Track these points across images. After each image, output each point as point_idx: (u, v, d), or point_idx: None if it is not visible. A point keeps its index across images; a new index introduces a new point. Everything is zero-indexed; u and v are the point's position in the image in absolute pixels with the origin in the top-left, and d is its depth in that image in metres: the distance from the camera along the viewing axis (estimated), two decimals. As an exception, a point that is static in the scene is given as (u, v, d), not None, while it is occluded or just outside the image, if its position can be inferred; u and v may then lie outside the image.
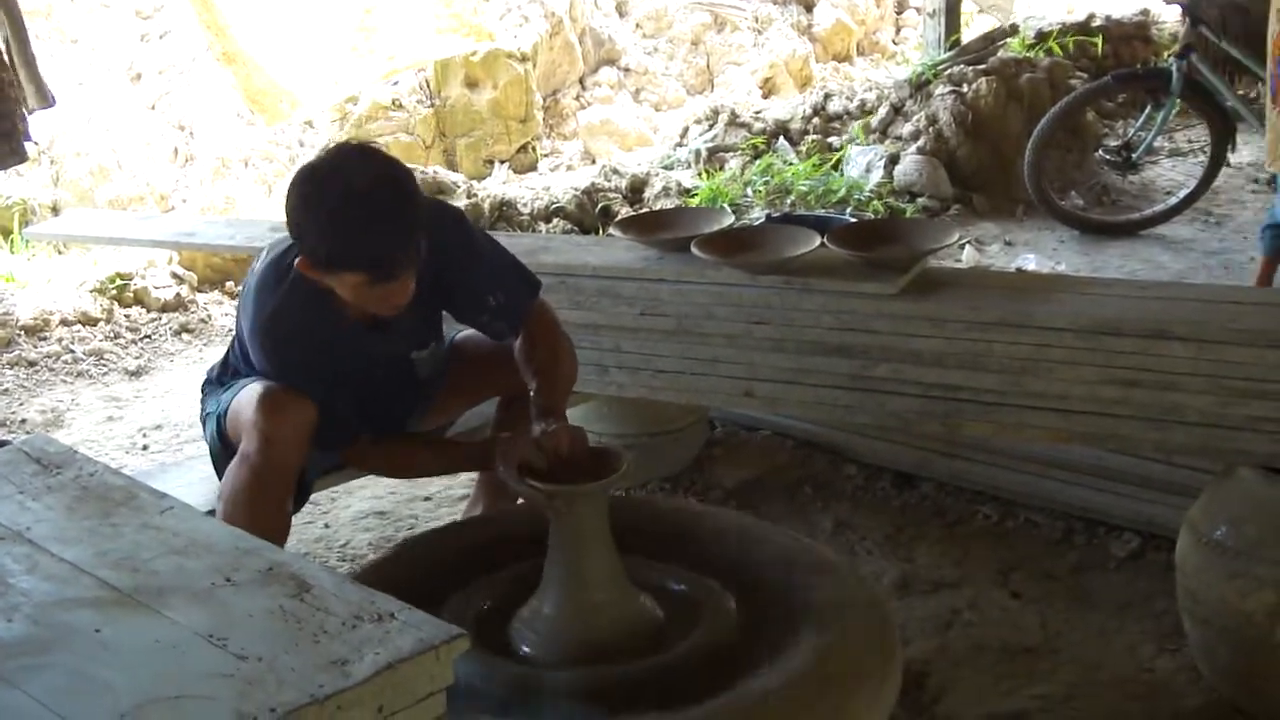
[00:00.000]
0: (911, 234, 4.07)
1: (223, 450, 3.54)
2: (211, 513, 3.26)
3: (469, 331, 3.79)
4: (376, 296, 3.12)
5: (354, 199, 2.95)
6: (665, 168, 9.06)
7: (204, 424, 3.72)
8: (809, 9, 13.06)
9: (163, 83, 10.07)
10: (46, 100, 6.03)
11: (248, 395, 3.37)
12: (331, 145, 3.16)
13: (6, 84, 5.71)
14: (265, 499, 3.28)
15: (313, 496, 3.94)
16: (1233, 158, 7.84)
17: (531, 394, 3.42)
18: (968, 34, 9.83)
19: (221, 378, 3.68)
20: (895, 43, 13.61)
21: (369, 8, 10.99)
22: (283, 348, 3.30)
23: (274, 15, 10.47)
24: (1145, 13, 11.20)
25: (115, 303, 7.35)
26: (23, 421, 6.00)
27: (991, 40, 9.62)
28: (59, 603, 2.12)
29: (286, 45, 10.42)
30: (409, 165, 7.51)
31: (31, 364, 6.66)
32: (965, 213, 8.15)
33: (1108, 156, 7.97)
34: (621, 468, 2.90)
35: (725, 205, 7.67)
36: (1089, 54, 10.33)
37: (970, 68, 8.94)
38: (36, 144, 6.78)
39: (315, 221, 2.99)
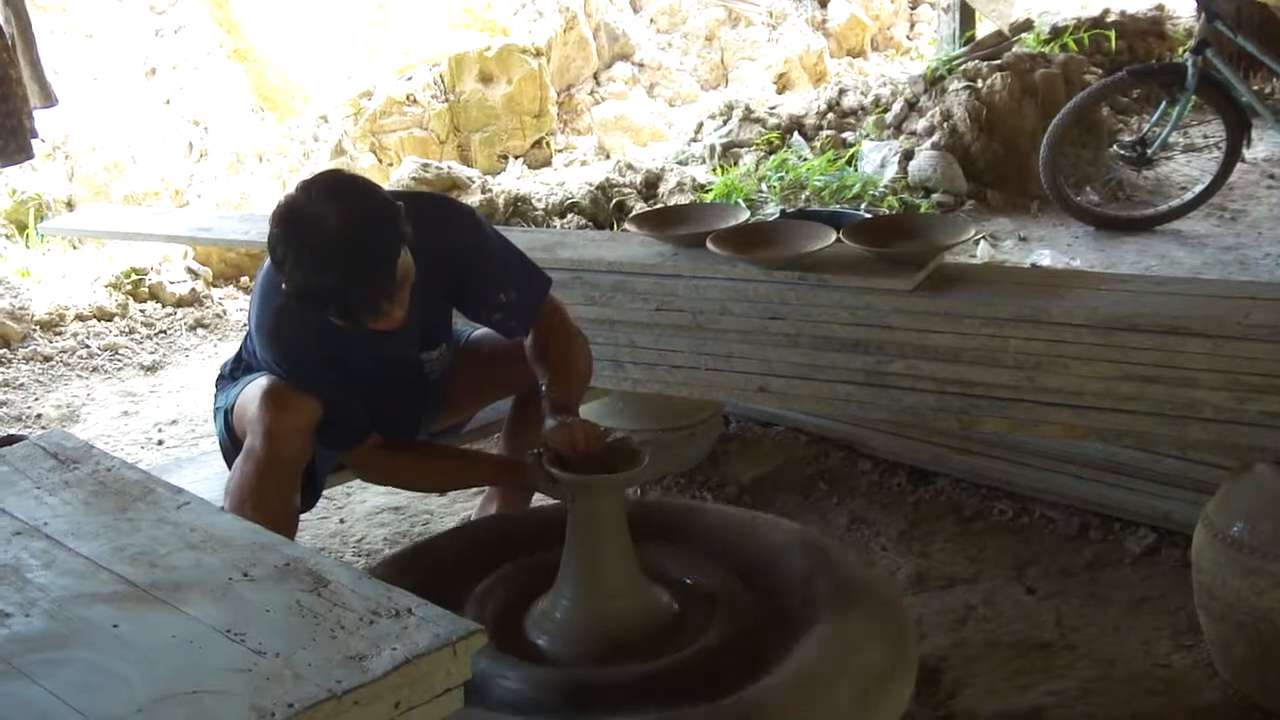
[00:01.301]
0: (926, 230, 4.06)
1: (231, 445, 3.56)
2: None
3: (482, 330, 3.79)
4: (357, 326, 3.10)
5: (324, 246, 2.90)
6: (680, 163, 9.06)
7: (215, 418, 3.73)
8: (823, 4, 13.05)
9: (177, 78, 10.09)
10: (50, 99, 6.05)
11: (253, 391, 3.38)
12: (314, 175, 3.11)
13: (14, 81, 5.73)
14: (270, 494, 3.28)
15: (327, 492, 3.95)
16: (1248, 153, 7.81)
17: (544, 390, 3.42)
18: (982, 29, 9.80)
19: (234, 373, 3.69)
20: (909, 38, 13.60)
21: (382, 3, 10.99)
22: (288, 345, 3.30)
23: (287, 11, 10.48)
24: (1160, 8, 11.19)
25: (130, 298, 7.37)
26: (38, 416, 6.01)
27: (1006, 35, 9.60)
28: (76, 598, 2.12)
29: (299, 41, 10.42)
30: (423, 161, 7.46)
31: (47, 359, 6.68)
32: (980, 208, 8.13)
33: (1122, 152, 7.95)
34: (642, 462, 2.89)
35: (740, 201, 7.68)
36: (1104, 49, 10.32)
37: (985, 63, 8.92)
38: (44, 141, 6.80)
39: (287, 260, 2.95)
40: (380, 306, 3.00)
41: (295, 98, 10.04)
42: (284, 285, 3.00)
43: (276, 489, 3.31)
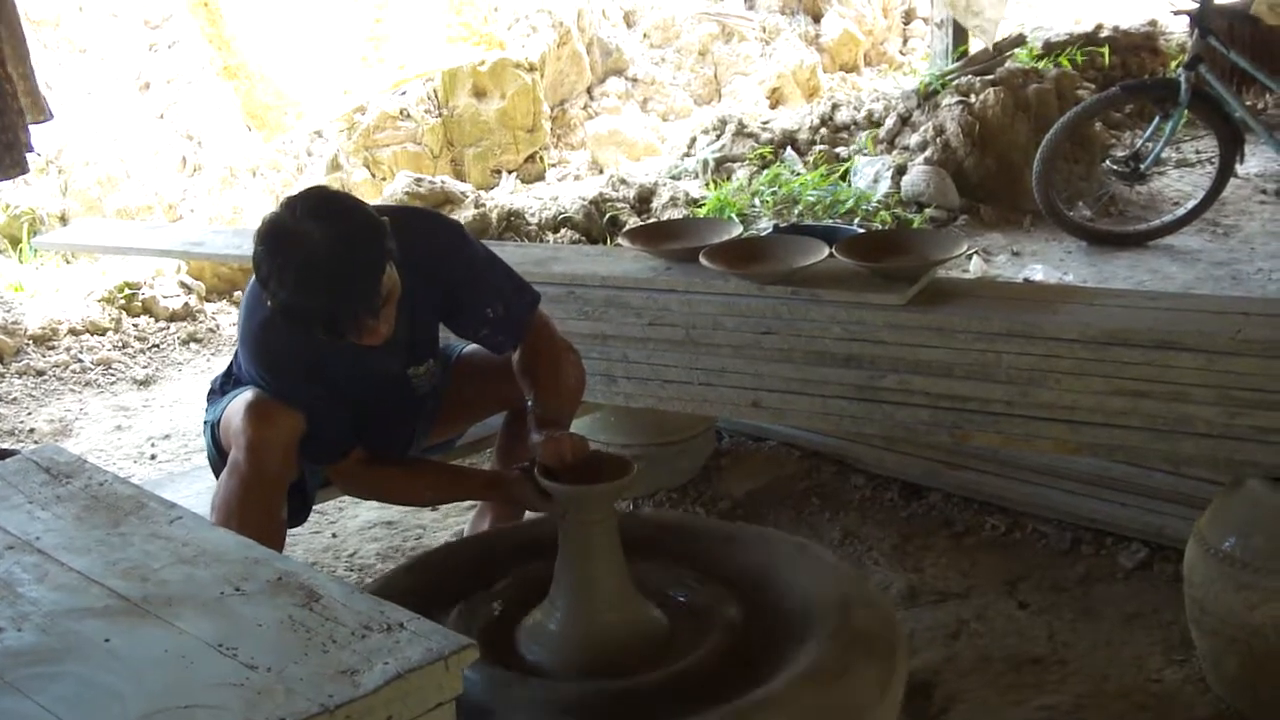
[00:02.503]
0: (919, 244, 4.07)
1: (219, 458, 3.57)
2: (218, 522, 3.27)
3: (474, 346, 3.79)
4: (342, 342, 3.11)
5: (308, 264, 2.91)
6: (673, 178, 9.06)
7: (204, 432, 3.73)
8: (816, 19, 13.07)
9: (171, 92, 10.10)
10: (44, 114, 6.04)
11: (237, 405, 3.39)
12: (298, 192, 3.11)
13: (9, 95, 5.72)
14: (255, 507, 3.29)
15: (320, 506, 3.95)
16: (1241, 168, 7.83)
17: (529, 405, 3.42)
18: (975, 45, 9.82)
19: (225, 387, 3.69)
20: (903, 53, 13.61)
21: (379, 17, 11.00)
22: (273, 360, 3.31)
23: (283, 25, 10.48)
24: (1153, 23, 11.21)
25: (123, 312, 7.37)
26: (31, 431, 6.01)
27: (999, 51, 9.61)
28: (68, 612, 2.12)
29: (295, 55, 10.42)
30: (416, 175, 7.45)
31: (40, 373, 6.68)
32: (972, 223, 8.14)
33: (1115, 167, 7.96)
34: (630, 472, 2.88)
35: (733, 215, 7.68)
36: (1096, 65, 10.34)
37: (978, 78, 8.93)
38: (39, 155, 6.80)
39: (272, 278, 2.95)
40: (365, 323, 3.01)
41: (287, 114, 10.04)
42: (269, 302, 3.01)
43: (261, 502, 3.31)
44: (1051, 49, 9.96)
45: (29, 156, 5.99)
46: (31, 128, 5.96)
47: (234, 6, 10.23)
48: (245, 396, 3.36)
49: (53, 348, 6.95)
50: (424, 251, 3.29)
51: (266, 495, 3.32)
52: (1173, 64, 10.17)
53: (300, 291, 2.93)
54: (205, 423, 3.71)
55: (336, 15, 10.64)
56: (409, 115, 10.10)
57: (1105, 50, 10.42)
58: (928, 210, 8.16)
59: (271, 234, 2.97)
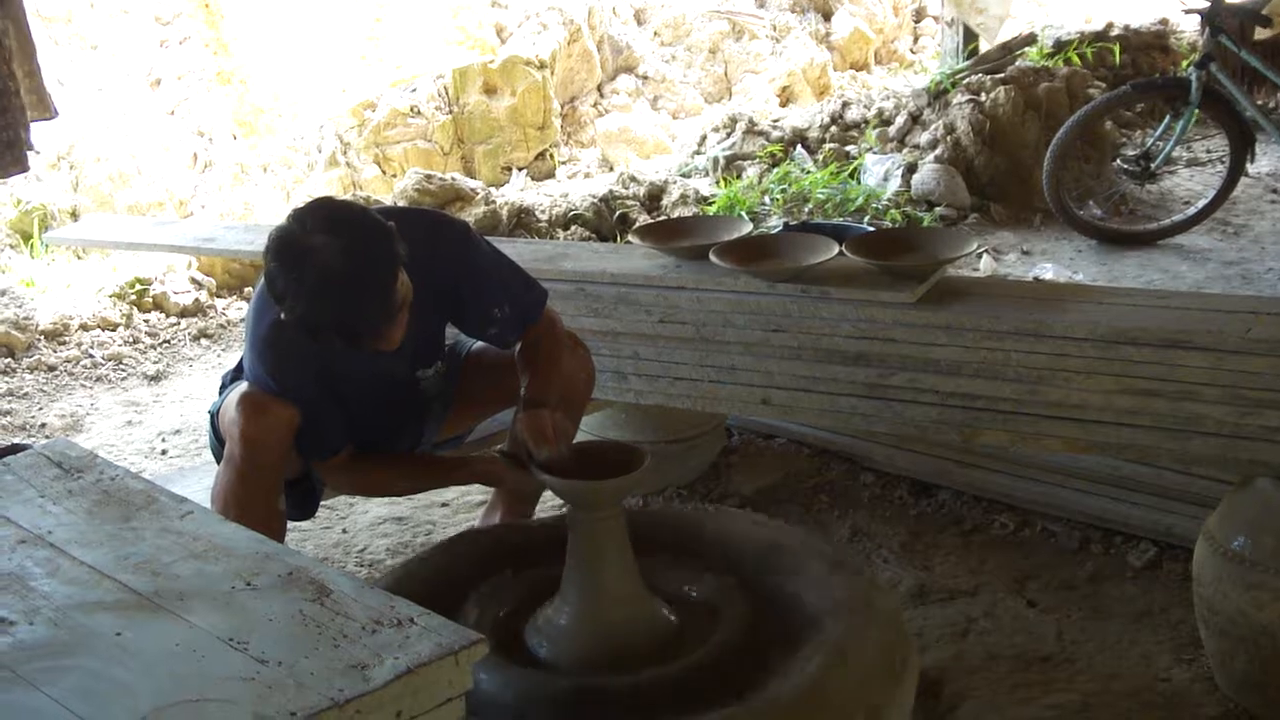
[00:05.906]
0: (929, 243, 4.07)
1: (219, 448, 3.58)
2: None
3: (484, 343, 3.80)
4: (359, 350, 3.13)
5: (323, 278, 2.92)
6: (683, 175, 9.07)
7: (208, 422, 3.75)
8: (827, 18, 13.07)
9: (182, 88, 10.11)
10: (48, 111, 6.04)
11: (233, 397, 3.41)
12: (306, 204, 3.10)
13: (12, 94, 5.73)
14: (250, 499, 3.30)
15: (330, 502, 3.95)
16: (1251, 168, 7.82)
17: (522, 390, 3.43)
18: (985, 43, 9.82)
19: (235, 382, 3.70)
20: (913, 51, 13.61)
21: (379, 17, 11.03)
22: (280, 365, 3.31)
23: (283, 24, 10.52)
24: (1164, 22, 11.19)
25: (134, 308, 7.38)
26: (42, 426, 6.02)
27: (1009, 49, 9.61)
28: (80, 606, 2.13)
29: (295, 53, 10.46)
30: (426, 172, 7.44)
31: (51, 368, 6.69)
32: (983, 222, 8.14)
33: (1126, 166, 7.95)
34: (641, 464, 2.87)
35: (743, 213, 7.67)
36: (1107, 63, 10.32)
37: (988, 77, 8.92)
38: (39, 153, 6.81)
39: (288, 294, 2.96)
40: (382, 331, 3.04)
41: (281, 116, 10.08)
42: (285, 316, 3.02)
43: (256, 494, 3.33)
44: (1062, 47, 9.95)
45: (30, 155, 6.00)
46: (36, 125, 5.97)
47: (235, 6, 10.28)
48: (241, 388, 3.38)
49: (64, 343, 6.96)
50: (429, 253, 3.29)
51: (261, 487, 3.34)
52: (1184, 63, 10.15)
53: (318, 305, 2.93)
54: (208, 412, 3.73)
55: (337, 14, 10.69)
56: (419, 112, 10.11)
57: (1116, 49, 10.40)
58: (938, 208, 8.16)
59: (283, 249, 2.97)
